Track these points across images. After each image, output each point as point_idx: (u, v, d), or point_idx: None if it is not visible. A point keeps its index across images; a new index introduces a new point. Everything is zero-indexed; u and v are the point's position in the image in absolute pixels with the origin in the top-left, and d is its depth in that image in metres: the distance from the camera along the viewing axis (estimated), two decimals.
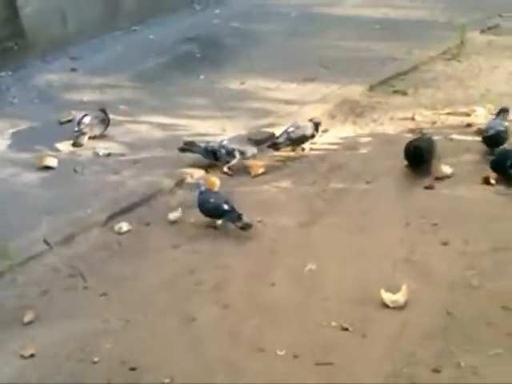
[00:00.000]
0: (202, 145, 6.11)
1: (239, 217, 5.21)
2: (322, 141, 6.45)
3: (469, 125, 6.50)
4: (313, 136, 6.31)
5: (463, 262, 4.66)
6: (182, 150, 6.16)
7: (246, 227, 5.19)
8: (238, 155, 6.03)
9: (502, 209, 5.24)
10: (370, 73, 7.61)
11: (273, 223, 5.30)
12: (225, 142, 6.13)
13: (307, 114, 6.85)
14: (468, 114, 6.70)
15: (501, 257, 4.68)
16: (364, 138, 6.49)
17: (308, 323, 4.26)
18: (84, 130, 6.51)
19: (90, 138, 6.54)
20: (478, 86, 7.34)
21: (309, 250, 4.95)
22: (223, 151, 6.02)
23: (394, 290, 4.40)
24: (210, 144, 6.12)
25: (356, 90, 7.27)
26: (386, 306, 4.33)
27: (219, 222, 5.32)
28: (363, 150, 6.28)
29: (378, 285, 4.45)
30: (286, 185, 5.81)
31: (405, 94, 7.24)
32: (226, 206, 5.25)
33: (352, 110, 6.93)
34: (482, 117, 6.60)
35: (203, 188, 5.43)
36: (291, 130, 6.25)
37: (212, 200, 5.34)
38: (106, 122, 6.66)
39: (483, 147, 6.04)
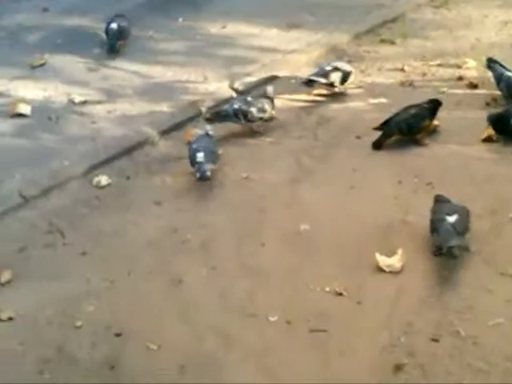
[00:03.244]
0: (227, 107, 5.59)
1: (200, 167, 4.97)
2: (305, 91, 6.20)
3: (460, 78, 6.27)
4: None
5: None
6: (208, 119, 5.62)
7: (202, 179, 4.96)
8: (269, 108, 5.63)
9: (498, 167, 5.04)
10: (356, 20, 7.29)
11: (260, 180, 5.07)
12: (249, 99, 5.66)
13: (292, 62, 6.60)
14: (459, 66, 6.47)
15: (497, 219, 4.51)
16: (352, 89, 6.26)
17: (301, 287, 4.08)
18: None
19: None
20: (467, 36, 7.09)
21: (299, 209, 4.74)
22: (254, 110, 5.59)
23: (390, 253, 4.23)
24: (235, 105, 5.58)
25: (342, 39, 6.97)
26: (381, 270, 4.17)
27: None
28: (352, 103, 6.04)
29: (372, 247, 4.27)
30: (271, 139, 5.57)
31: (393, 43, 6.97)
32: (200, 157, 4.99)
33: (339, 60, 6.66)
34: (473, 69, 6.40)
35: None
36: (328, 68, 6.04)
37: (194, 146, 5.11)
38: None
39: (475, 101, 5.86)
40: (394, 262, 4.18)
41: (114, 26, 6.76)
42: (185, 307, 3.99)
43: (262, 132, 5.64)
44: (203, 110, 5.83)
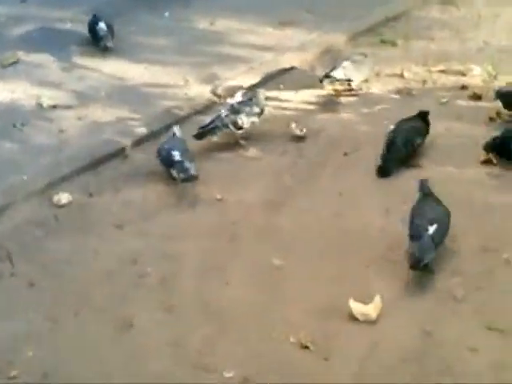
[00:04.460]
0: (215, 121, 5.12)
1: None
2: (296, 98, 5.73)
3: (464, 87, 5.75)
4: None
5: (448, 265, 4.03)
6: (199, 136, 5.14)
7: (189, 179, 4.68)
8: (258, 111, 5.21)
9: (495, 196, 4.56)
10: (356, 17, 6.75)
11: (235, 202, 4.63)
12: (236, 105, 5.20)
13: (284, 63, 6.12)
14: (463, 74, 5.95)
15: (489, 260, 4.05)
16: (345, 97, 5.77)
17: (263, 337, 3.65)
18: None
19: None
20: (475, 38, 6.55)
21: (274, 239, 4.31)
22: (244, 116, 5.14)
23: (367, 298, 3.79)
24: (224, 114, 5.13)
25: (339, 38, 6.46)
26: (355, 318, 3.73)
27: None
28: (343, 113, 5.55)
29: (348, 290, 3.85)
30: (253, 154, 5.11)
31: (394, 44, 6.45)
32: (177, 156, 4.66)
33: (334, 62, 6.14)
34: (478, 78, 5.88)
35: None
36: (346, 64, 5.70)
37: (166, 146, 4.77)
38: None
39: (478, 115, 5.36)
40: (370, 310, 3.74)
41: (102, 25, 6.25)
42: (133, 357, 3.58)
43: (244, 144, 5.20)
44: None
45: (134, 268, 4.13)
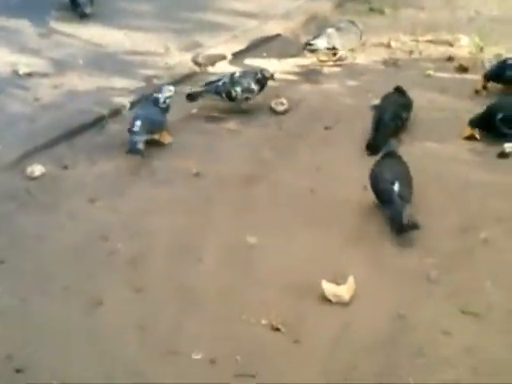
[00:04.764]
0: (211, 85, 5.10)
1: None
2: (279, 68, 5.59)
3: (450, 58, 5.64)
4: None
5: (423, 245, 3.95)
6: (191, 97, 5.11)
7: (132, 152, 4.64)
8: (255, 88, 5.08)
9: (476, 173, 4.46)
10: None
11: (212, 177, 4.54)
12: (237, 75, 5.13)
13: (268, 31, 5.98)
14: (451, 44, 5.83)
15: (468, 240, 3.97)
16: (329, 67, 5.63)
17: (234, 317, 3.57)
18: None
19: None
20: (466, 7, 6.43)
21: (250, 216, 4.22)
22: (238, 89, 5.05)
23: (340, 277, 3.72)
24: (221, 82, 5.07)
25: (325, 5, 6.31)
26: (327, 300, 3.66)
27: None
28: (326, 84, 5.44)
29: (323, 269, 3.78)
30: (232, 126, 5.00)
31: (382, 13, 6.32)
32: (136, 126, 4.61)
33: (319, 30, 5.97)
34: (465, 49, 5.75)
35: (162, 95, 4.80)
36: (331, 31, 5.59)
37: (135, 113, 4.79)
38: None
39: (463, 88, 5.24)
40: (343, 291, 3.66)
41: None
42: (99, 338, 3.49)
43: (247, 110, 5.11)
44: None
45: (105, 245, 4.03)
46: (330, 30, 5.61)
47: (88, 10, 6.04)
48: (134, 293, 3.73)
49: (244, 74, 5.15)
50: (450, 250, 3.92)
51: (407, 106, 4.91)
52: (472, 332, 3.48)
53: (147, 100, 4.91)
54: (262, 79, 5.09)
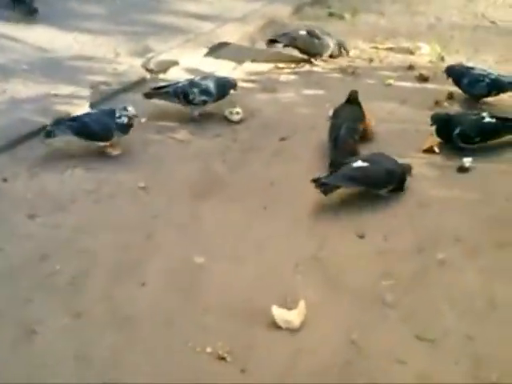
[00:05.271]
0: (170, 85, 4.92)
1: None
2: (234, 75, 5.38)
3: (411, 67, 5.51)
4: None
5: (379, 266, 3.76)
6: (149, 95, 4.94)
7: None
8: (214, 92, 4.88)
9: (434, 189, 4.31)
10: None
11: (158, 191, 4.32)
12: (198, 77, 4.97)
13: (222, 36, 5.77)
14: (411, 52, 5.70)
15: (424, 260, 3.79)
16: (286, 75, 5.45)
17: (177, 346, 3.34)
18: None
19: None
20: (426, 13, 6.31)
21: (198, 234, 4.00)
22: (196, 90, 4.84)
23: (292, 301, 3.54)
24: (181, 83, 4.90)
25: (284, 10, 6.13)
26: (277, 326, 3.47)
27: None
28: (283, 93, 5.25)
29: (273, 292, 3.58)
30: (182, 136, 4.78)
31: (342, 18, 6.15)
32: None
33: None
34: (426, 57, 5.61)
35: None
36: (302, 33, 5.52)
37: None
38: None
39: (423, 99, 5.10)
40: (293, 317, 3.47)
41: None
42: (32, 370, 3.25)
43: (198, 120, 4.89)
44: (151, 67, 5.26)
45: (42, 265, 3.78)
46: (302, 33, 5.46)
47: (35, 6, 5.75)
48: (72, 319, 3.48)
49: (205, 78, 4.96)
50: (406, 271, 3.75)
51: (360, 117, 4.74)
52: (427, 359, 3.30)
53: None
54: (224, 85, 4.90)
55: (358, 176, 4.12)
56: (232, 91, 4.93)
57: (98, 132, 4.48)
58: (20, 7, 5.81)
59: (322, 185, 4.07)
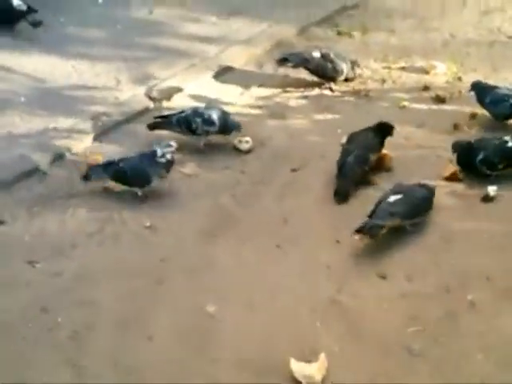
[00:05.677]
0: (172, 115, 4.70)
1: None
2: (241, 102, 5.14)
3: (426, 87, 5.23)
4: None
5: (403, 310, 3.52)
6: (152, 126, 4.70)
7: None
8: (217, 122, 4.62)
9: (457, 222, 4.05)
10: (310, 3, 6.17)
11: (166, 231, 4.07)
12: (202, 107, 4.76)
13: (228, 60, 5.52)
14: (426, 72, 5.43)
15: (452, 303, 3.54)
16: (295, 99, 5.19)
17: None
18: None
19: None
20: (441, 29, 6.03)
21: (208, 279, 3.75)
22: (199, 120, 4.60)
23: (310, 352, 3.27)
24: (184, 113, 4.66)
25: (290, 30, 5.87)
26: (297, 381, 3.22)
27: None
28: (293, 120, 4.99)
29: (289, 343, 3.33)
30: (190, 170, 4.52)
31: (350, 36, 5.89)
32: None
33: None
34: (442, 77, 5.35)
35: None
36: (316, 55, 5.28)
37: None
38: None
39: (441, 122, 4.83)
40: (314, 371, 3.21)
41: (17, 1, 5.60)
42: None
43: (204, 150, 4.66)
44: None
45: (44, 318, 3.52)
46: (316, 54, 5.23)
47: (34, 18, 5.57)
48: (74, 377, 3.24)
49: (209, 107, 4.75)
50: (432, 315, 3.49)
51: (375, 146, 4.47)
52: None
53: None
54: (227, 119, 4.67)
55: (399, 210, 3.88)
56: (235, 132, 4.70)
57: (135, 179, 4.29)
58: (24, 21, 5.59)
59: (370, 229, 3.80)
